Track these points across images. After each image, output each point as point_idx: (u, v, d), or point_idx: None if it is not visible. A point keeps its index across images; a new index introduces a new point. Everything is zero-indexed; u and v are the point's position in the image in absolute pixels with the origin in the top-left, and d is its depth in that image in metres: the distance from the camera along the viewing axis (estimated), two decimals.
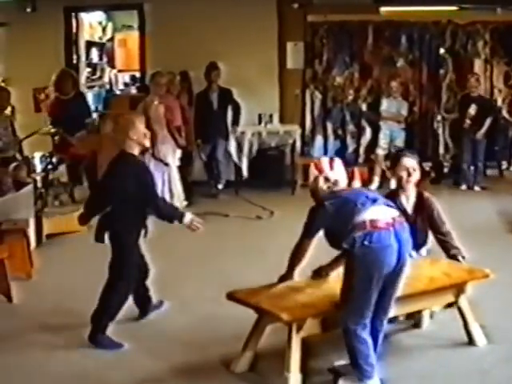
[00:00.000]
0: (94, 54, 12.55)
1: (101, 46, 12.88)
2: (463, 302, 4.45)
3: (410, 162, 4.71)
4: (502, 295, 5.18)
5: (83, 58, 11.57)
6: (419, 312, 4.65)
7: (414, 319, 4.76)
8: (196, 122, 9.28)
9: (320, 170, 4.10)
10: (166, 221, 4.71)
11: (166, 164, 8.27)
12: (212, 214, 7.96)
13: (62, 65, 10.33)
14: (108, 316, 4.61)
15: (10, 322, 5.06)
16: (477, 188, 9.56)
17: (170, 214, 4.71)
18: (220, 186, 9.53)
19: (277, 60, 10.38)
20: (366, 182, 9.34)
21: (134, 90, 12.11)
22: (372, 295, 3.78)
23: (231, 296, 4.25)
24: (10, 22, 10.59)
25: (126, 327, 4.87)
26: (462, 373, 4.14)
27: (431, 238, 4.75)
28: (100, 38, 12.84)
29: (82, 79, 11.39)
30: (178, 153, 8.53)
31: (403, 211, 4.52)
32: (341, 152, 10.27)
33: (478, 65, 10.26)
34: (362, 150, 10.26)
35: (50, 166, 7.74)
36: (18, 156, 7.73)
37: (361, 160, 10.21)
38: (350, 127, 10.26)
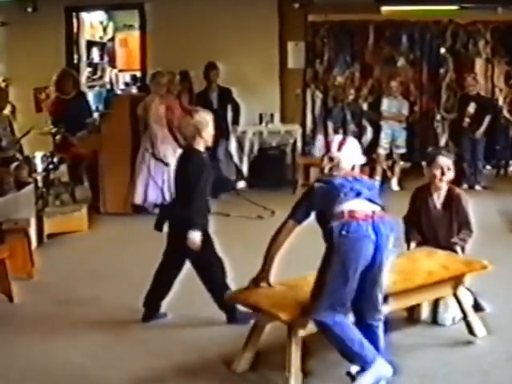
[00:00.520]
0: (95, 53, 12.57)
1: (102, 46, 12.89)
2: (462, 293, 4.47)
3: (444, 160, 4.81)
4: (503, 295, 5.18)
5: (84, 57, 11.59)
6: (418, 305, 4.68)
7: (414, 312, 4.77)
8: None
9: (328, 148, 4.08)
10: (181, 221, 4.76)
11: (167, 164, 8.26)
12: (213, 214, 7.94)
13: (62, 64, 10.34)
14: (223, 291, 4.66)
15: (11, 321, 5.06)
16: (478, 187, 9.55)
17: (189, 220, 4.76)
18: None
19: (278, 59, 10.38)
20: None
21: (134, 90, 12.12)
22: (346, 289, 3.72)
23: (231, 296, 4.25)
24: (11, 21, 10.61)
25: (127, 327, 4.87)
26: (463, 372, 4.14)
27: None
28: (101, 38, 12.85)
29: (83, 79, 11.40)
30: (179, 152, 8.51)
31: (432, 207, 4.63)
32: None
33: (478, 64, 10.26)
34: (362, 150, 10.23)
35: (50, 166, 7.76)
36: (18, 156, 7.73)
37: None
38: (351, 127, 10.23)
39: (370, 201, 3.87)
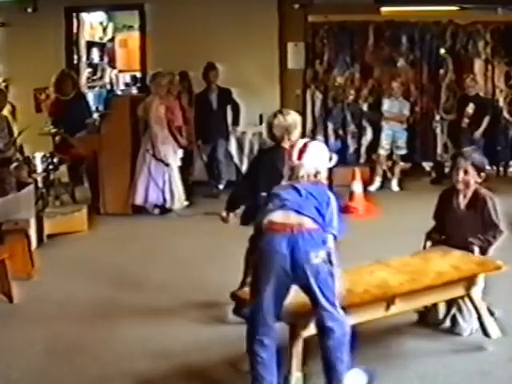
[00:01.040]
0: (95, 54, 12.56)
1: (101, 46, 12.89)
2: (476, 294, 4.40)
3: (462, 163, 4.72)
4: (503, 295, 5.17)
5: (84, 58, 11.60)
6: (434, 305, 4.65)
7: (427, 315, 4.75)
8: (196, 123, 9.28)
9: (288, 157, 3.93)
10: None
11: (167, 164, 8.27)
12: (213, 215, 7.94)
13: (62, 65, 10.35)
14: None
15: (11, 322, 5.06)
16: None
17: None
18: (221, 187, 9.51)
19: (278, 60, 10.39)
20: (367, 182, 9.35)
21: (134, 91, 12.12)
22: (261, 302, 3.61)
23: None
24: (11, 22, 10.62)
25: (127, 327, 4.87)
26: (464, 373, 4.13)
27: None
28: (101, 39, 12.85)
29: (83, 79, 11.41)
30: (180, 153, 8.53)
31: (456, 208, 4.65)
32: (342, 152, 10.26)
33: (478, 65, 10.25)
34: (363, 150, 10.25)
35: (50, 167, 7.75)
36: (19, 156, 7.73)
37: (362, 160, 10.21)
38: (351, 127, 10.26)
39: (299, 212, 3.64)
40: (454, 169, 4.76)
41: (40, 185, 7.46)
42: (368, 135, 10.16)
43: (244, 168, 9.95)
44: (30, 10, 10.41)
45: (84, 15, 11.53)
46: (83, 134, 8.64)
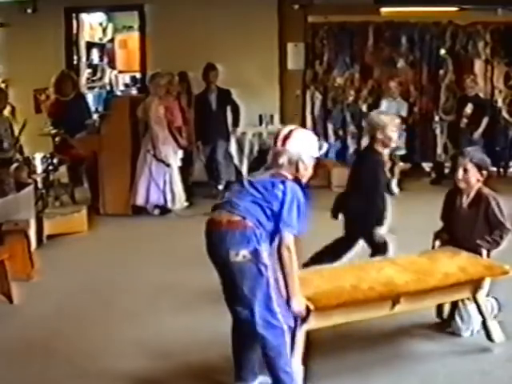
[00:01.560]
0: (95, 54, 12.56)
1: (101, 47, 12.89)
2: (481, 297, 4.38)
3: (461, 161, 4.73)
4: (503, 295, 5.17)
5: (84, 58, 11.60)
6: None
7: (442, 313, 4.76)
8: (196, 124, 9.28)
9: (274, 142, 3.83)
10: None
11: (168, 165, 8.27)
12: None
13: (62, 66, 10.36)
14: None
15: (11, 322, 5.06)
16: None
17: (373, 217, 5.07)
18: (220, 187, 9.51)
19: (277, 61, 10.39)
20: None
21: (134, 91, 12.12)
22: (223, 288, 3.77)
23: None
24: (11, 22, 10.62)
25: (126, 327, 4.87)
26: (464, 373, 4.13)
27: None
28: (100, 39, 12.85)
29: (83, 80, 11.41)
30: (180, 153, 8.53)
31: (459, 207, 4.67)
32: (342, 153, 10.27)
33: (478, 65, 10.25)
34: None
35: (50, 167, 7.76)
36: (18, 157, 7.74)
37: None
38: (351, 128, 10.25)
39: (230, 211, 3.65)
40: (457, 167, 4.76)
41: (40, 185, 7.46)
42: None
43: (244, 168, 9.94)
44: (29, 10, 10.42)
45: (84, 16, 11.53)
46: (83, 135, 8.64)
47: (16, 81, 10.34)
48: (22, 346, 4.59)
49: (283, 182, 3.66)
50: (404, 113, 9.80)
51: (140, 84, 11.49)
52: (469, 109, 9.51)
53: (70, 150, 8.69)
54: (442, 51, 10.36)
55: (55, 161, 7.89)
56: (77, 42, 11.26)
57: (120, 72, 13.23)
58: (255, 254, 3.58)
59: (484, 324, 4.44)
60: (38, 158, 7.57)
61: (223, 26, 10.00)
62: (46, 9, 10.46)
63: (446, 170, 10.22)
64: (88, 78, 12.03)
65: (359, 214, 5.08)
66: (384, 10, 10.13)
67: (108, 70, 12.97)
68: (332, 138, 10.42)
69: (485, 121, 9.56)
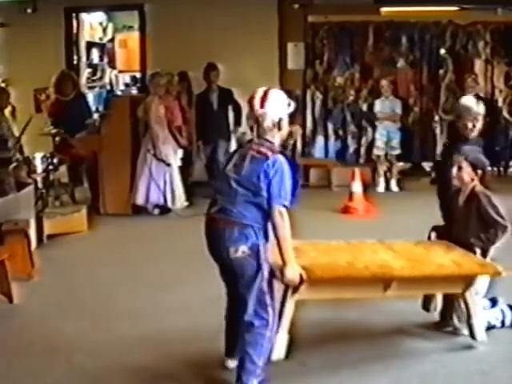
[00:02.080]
0: (95, 54, 12.56)
1: (101, 47, 12.89)
2: (470, 295, 4.39)
3: (457, 158, 4.76)
4: (503, 295, 5.17)
5: (84, 58, 11.60)
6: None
7: (429, 305, 4.76)
8: (197, 123, 9.28)
9: (251, 106, 3.79)
10: None
11: (168, 164, 8.27)
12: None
13: (62, 65, 10.36)
14: None
15: (11, 322, 5.06)
16: None
17: None
18: None
19: (277, 61, 10.39)
20: (367, 183, 9.33)
21: (134, 91, 12.11)
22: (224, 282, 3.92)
23: None
24: (11, 22, 10.63)
25: (126, 327, 4.87)
26: (464, 373, 4.14)
27: None
28: (100, 39, 12.85)
29: (83, 80, 11.41)
30: (180, 153, 8.53)
31: (455, 203, 4.71)
32: (342, 152, 10.27)
33: (478, 65, 10.26)
34: (362, 151, 10.25)
35: (50, 167, 7.76)
36: (18, 156, 7.74)
37: (362, 160, 10.21)
38: (351, 127, 10.26)
39: (227, 215, 3.74)
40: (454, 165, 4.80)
41: (40, 185, 7.46)
42: (368, 135, 10.16)
43: None
44: (29, 10, 10.42)
45: (84, 15, 11.53)
46: (83, 135, 8.64)
47: (16, 81, 10.33)
48: (22, 346, 4.59)
49: (266, 160, 3.67)
50: (399, 110, 9.77)
51: (140, 84, 11.49)
52: None
53: (70, 149, 8.68)
54: (442, 51, 10.37)
55: (55, 160, 7.89)
56: (77, 42, 11.26)
57: (120, 72, 13.23)
58: (254, 249, 3.70)
59: (468, 322, 4.44)
60: (38, 157, 7.57)
61: (223, 26, 10.00)
62: (46, 9, 10.46)
63: None
64: (88, 78, 12.03)
65: None
66: (384, 9, 10.14)
67: (108, 70, 12.97)
68: (332, 138, 10.42)
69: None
